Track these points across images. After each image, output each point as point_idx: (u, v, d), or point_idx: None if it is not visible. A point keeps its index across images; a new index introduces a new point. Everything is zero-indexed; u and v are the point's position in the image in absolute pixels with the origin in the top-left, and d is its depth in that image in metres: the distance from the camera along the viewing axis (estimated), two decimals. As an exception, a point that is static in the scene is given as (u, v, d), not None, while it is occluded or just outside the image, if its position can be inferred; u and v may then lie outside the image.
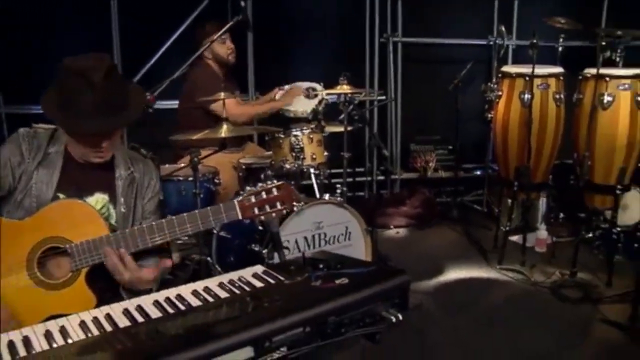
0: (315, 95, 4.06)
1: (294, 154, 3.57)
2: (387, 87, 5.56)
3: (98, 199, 2.15)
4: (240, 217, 2.01)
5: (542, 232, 4.59)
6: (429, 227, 5.15)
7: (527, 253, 4.33)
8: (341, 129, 3.93)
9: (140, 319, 1.58)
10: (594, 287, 3.90)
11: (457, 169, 5.50)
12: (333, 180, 4.35)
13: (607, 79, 3.89)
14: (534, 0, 5.74)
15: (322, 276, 1.70)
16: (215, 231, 3.46)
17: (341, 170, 4.14)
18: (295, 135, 3.58)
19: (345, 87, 3.90)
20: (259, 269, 1.86)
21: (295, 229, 3.25)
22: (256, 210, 2.01)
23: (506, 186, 4.44)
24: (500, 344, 3.29)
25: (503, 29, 5.22)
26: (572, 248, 4.04)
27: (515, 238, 4.49)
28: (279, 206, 2.03)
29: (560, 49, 4.89)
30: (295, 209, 3.21)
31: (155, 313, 1.62)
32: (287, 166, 3.56)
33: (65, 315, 1.62)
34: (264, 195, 2.01)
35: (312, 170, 3.63)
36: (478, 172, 5.78)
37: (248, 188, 2.06)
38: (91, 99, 1.92)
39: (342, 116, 3.95)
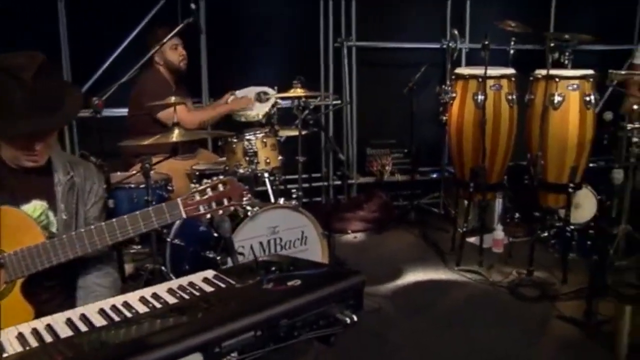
0: (268, 99, 4.01)
1: (247, 159, 3.52)
2: (342, 92, 5.54)
3: (36, 206, 2.02)
4: (184, 216, 1.94)
5: (499, 233, 4.63)
6: (387, 231, 5.14)
7: (484, 254, 4.35)
8: (296, 133, 3.88)
9: (83, 328, 1.51)
10: (550, 285, 3.95)
11: (414, 172, 5.51)
12: (289, 186, 4.29)
13: (557, 79, 3.95)
14: (485, 4, 5.81)
15: (274, 279, 1.65)
16: (168, 239, 3.38)
17: (297, 176, 4.10)
18: (249, 140, 3.53)
19: (299, 90, 3.86)
20: (209, 273, 1.80)
21: (249, 234, 3.19)
22: (202, 209, 1.94)
23: (462, 187, 4.46)
24: (460, 345, 3.29)
25: (456, 32, 5.28)
26: (528, 247, 4.07)
27: (472, 239, 4.52)
28: (226, 203, 1.96)
29: (511, 51, 4.94)
30: (249, 214, 3.16)
31: (100, 322, 1.55)
32: (241, 171, 3.49)
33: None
34: (209, 192, 1.94)
35: (266, 175, 3.58)
36: (434, 175, 5.81)
37: (192, 186, 1.97)
38: (21, 98, 1.81)
39: (297, 120, 3.91)
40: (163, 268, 3.36)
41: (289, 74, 4.03)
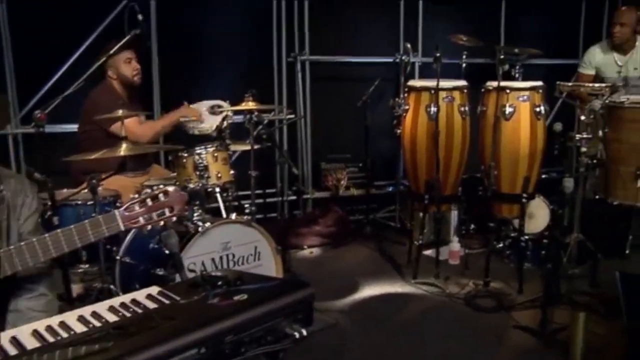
0: (221, 112, 3.95)
1: (198, 173, 3.44)
2: (296, 106, 5.51)
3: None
4: (122, 228, 1.85)
5: (455, 245, 4.64)
6: (343, 246, 5.10)
7: (440, 266, 4.34)
8: (249, 147, 3.82)
9: (13, 351, 1.41)
10: (506, 295, 3.96)
11: (369, 186, 5.51)
12: (243, 202, 4.22)
13: (508, 91, 3.99)
14: (438, 19, 5.90)
15: (220, 294, 1.59)
16: (117, 257, 3.27)
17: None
18: (199, 154, 3.45)
19: (250, 104, 3.81)
20: (153, 290, 1.73)
21: (201, 250, 3.10)
22: (142, 220, 1.85)
23: (417, 200, 4.46)
24: (417, 358, 3.26)
25: (409, 46, 5.30)
26: (484, 258, 4.08)
27: (428, 252, 4.52)
28: (167, 213, 1.88)
29: (463, 65, 5.00)
30: (200, 229, 3.08)
31: (32, 344, 1.45)
32: (191, 186, 3.41)
33: None
34: (149, 202, 1.85)
35: (217, 190, 3.51)
36: (390, 189, 5.81)
37: (131, 196, 1.88)
38: None
39: (252, 135, 3.86)
40: (112, 287, 3.24)
41: (243, 88, 3.97)
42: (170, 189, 1.91)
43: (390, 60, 5.52)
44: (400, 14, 5.78)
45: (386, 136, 5.30)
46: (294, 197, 5.56)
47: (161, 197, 1.88)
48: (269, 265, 3.39)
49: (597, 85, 4.33)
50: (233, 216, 3.35)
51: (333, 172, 5.52)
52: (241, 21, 5.36)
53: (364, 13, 5.75)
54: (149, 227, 1.85)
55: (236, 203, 4.05)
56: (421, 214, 4.48)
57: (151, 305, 1.62)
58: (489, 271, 4.04)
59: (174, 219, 1.91)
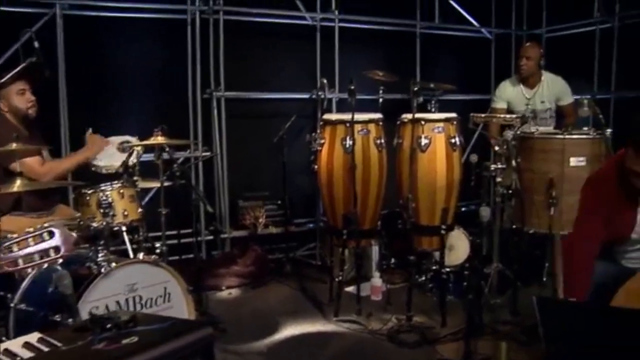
0: (130, 148, 3.76)
1: (102, 211, 3.23)
2: (212, 143, 5.36)
3: None
4: (-4, 271, 1.64)
5: (376, 280, 4.57)
6: (263, 285, 4.94)
7: (362, 302, 4.25)
8: (158, 184, 3.64)
9: None
10: (429, 329, 3.90)
11: (288, 224, 5.38)
12: (157, 242, 4.00)
13: (423, 122, 3.99)
14: (354, 55, 5.93)
15: (108, 337, 1.41)
16: (11, 304, 2.98)
17: (169, 232, 3.84)
18: (103, 190, 3.25)
19: (159, 139, 3.64)
20: (33, 337, 1.53)
21: (105, 293, 2.88)
22: (21, 262, 1.65)
23: (335, 235, 4.36)
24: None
25: (325, 81, 5.27)
26: (406, 293, 4.02)
27: (350, 288, 4.42)
28: (53, 254, 1.69)
29: (380, 100, 5.02)
30: (103, 270, 2.86)
31: None
32: (95, 225, 3.19)
33: None
34: (30, 242, 1.67)
35: (124, 229, 3.30)
36: (310, 226, 5.71)
37: (9, 236, 1.68)
38: None
39: (168, 171, 3.68)
40: (4, 339, 2.94)
41: (156, 124, 3.81)
42: (56, 229, 1.72)
43: (307, 96, 5.46)
44: (317, 50, 5.77)
45: (305, 173, 5.21)
46: (211, 237, 5.35)
47: (45, 236, 1.69)
48: (180, 307, 3.19)
49: (508, 116, 4.42)
50: (140, 256, 3.15)
51: (251, 210, 5.37)
52: (156, 55, 5.20)
53: (281, 49, 5.73)
54: (31, 269, 1.65)
55: (149, 244, 3.84)
56: (342, 250, 4.39)
57: (26, 354, 1.42)
58: (411, 305, 3.99)
59: (60, 260, 1.71)
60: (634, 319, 1.97)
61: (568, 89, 5.19)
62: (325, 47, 5.79)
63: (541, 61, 5.15)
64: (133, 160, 3.64)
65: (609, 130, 4.26)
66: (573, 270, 2.79)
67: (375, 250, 4.83)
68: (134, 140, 3.84)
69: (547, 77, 5.19)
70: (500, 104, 5.22)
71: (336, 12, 5.71)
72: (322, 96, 5.36)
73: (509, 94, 5.23)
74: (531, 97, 5.14)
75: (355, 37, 6.00)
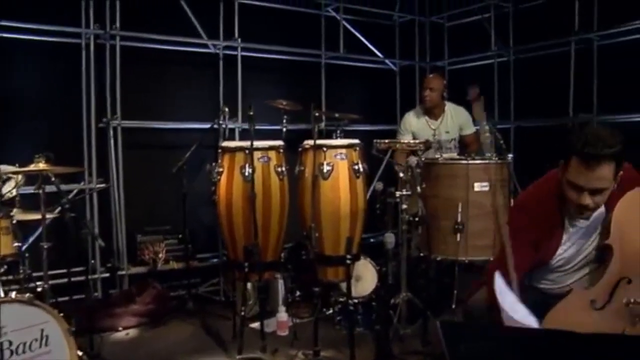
0: (9, 178, 3.45)
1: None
2: (108, 174, 5.06)
3: None
4: None
5: (282, 315, 4.39)
6: (163, 324, 4.65)
7: (268, 338, 4.06)
8: (39, 216, 3.34)
9: None
10: (337, 363, 3.74)
11: (190, 259, 5.12)
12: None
13: (325, 149, 3.89)
14: (259, 84, 5.84)
15: None
16: None
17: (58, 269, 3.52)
18: (-33, 222, 2.93)
19: (41, 165, 3.35)
20: None
21: (-36, 340, 2.56)
22: None
23: (237, 269, 4.15)
24: None
25: (226, 110, 5.11)
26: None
27: (255, 324, 4.22)
28: None
29: (284, 129, 4.92)
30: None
31: None
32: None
33: None
34: None
35: (-6, 265, 2.98)
36: (214, 260, 5.48)
37: None
38: None
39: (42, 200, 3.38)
40: None
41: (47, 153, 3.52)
42: None
43: (208, 126, 5.24)
44: (220, 79, 5.62)
45: (207, 205, 4.95)
46: (107, 274, 5.00)
47: None
48: (60, 351, 2.89)
49: (412, 141, 4.39)
50: (13, 294, 2.84)
51: (150, 245, 5.08)
52: (48, 80, 4.87)
53: (183, 77, 5.55)
54: None
55: (32, 283, 3.51)
56: (246, 285, 4.20)
57: None
58: (318, 339, 3.85)
59: None
60: (543, 340, 1.88)
61: (470, 118, 5.27)
62: (229, 75, 5.65)
63: (444, 92, 5.21)
64: (10, 189, 3.33)
65: (510, 156, 4.32)
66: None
67: (280, 283, 4.66)
68: (10, 168, 3.52)
69: (450, 107, 5.26)
70: (406, 137, 5.23)
71: (239, 40, 5.59)
72: (224, 126, 5.18)
73: (413, 125, 5.26)
74: (436, 128, 5.18)
75: (260, 66, 5.92)
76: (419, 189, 3.96)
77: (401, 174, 4.02)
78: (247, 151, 3.90)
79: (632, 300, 2.16)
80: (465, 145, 5.28)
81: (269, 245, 4.06)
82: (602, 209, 2.49)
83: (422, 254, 4.25)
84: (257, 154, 3.95)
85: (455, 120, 5.22)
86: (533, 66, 6.02)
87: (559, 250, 2.57)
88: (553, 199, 2.52)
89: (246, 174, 3.91)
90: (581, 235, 2.56)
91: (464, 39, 6.80)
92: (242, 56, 5.67)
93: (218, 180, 4.09)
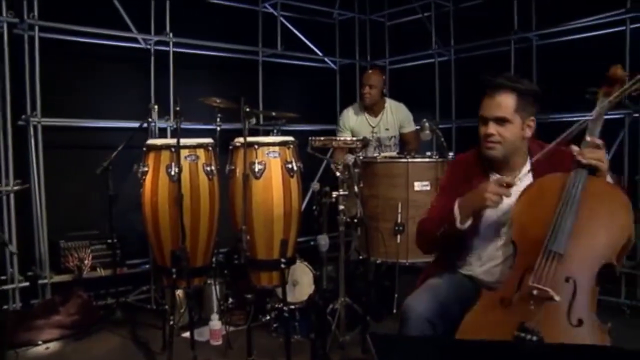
0: None
1: None
2: (29, 177, 4.70)
3: None
4: None
5: (215, 323, 4.16)
6: (89, 336, 4.35)
7: (201, 348, 3.87)
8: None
9: None
10: (273, 372, 3.54)
11: (119, 265, 4.83)
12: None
13: (257, 146, 3.67)
14: (193, 82, 5.62)
15: None
16: None
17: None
18: None
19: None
20: None
21: None
22: None
23: (164, 275, 3.89)
24: None
25: (156, 108, 4.85)
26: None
27: (188, 333, 3.95)
28: None
29: (218, 128, 4.70)
30: None
31: None
32: None
33: None
34: None
35: None
36: (145, 266, 5.19)
37: None
38: None
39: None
40: None
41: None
42: None
43: (137, 125, 4.93)
44: (151, 76, 5.34)
45: (137, 208, 4.65)
46: (27, 284, 4.65)
47: None
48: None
49: (348, 139, 4.23)
50: None
51: (75, 251, 4.75)
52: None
53: (111, 73, 5.25)
54: None
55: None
56: (178, 292, 3.96)
57: None
58: (252, 348, 3.66)
59: None
60: (475, 351, 1.80)
61: (411, 116, 5.16)
62: (161, 72, 5.38)
63: (384, 89, 5.09)
64: None
65: (451, 154, 4.22)
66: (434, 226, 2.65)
67: (214, 290, 4.43)
68: None
69: (390, 104, 5.14)
70: (345, 134, 5.08)
71: (170, 35, 5.32)
72: (153, 124, 4.91)
73: (352, 123, 5.12)
74: (376, 125, 5.05)
75: (194, 63, 5.68)
76: (356, 188, 3.78)
77: (338, 174, 3.84)
78: (173, 149, 3.64)
79: (535, 284, 2.13)
80: (405, 144, 5.16)
81: (198, 250, 3.82)
82: (527, 175, 2.51)
83: (361, 257, 4.09)
84: (184, 152, 3.70)
85: (395, 117, 5.09)
86: (474, 65, 5.99)
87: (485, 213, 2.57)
88: (480, 158, 2.66)
89: (172, 173, 3.65)
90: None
91: (405, 38, 6.75)
92: (175, 52, 5.40)
93: (143, 181, 3.82)
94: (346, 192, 3.83)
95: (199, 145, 3.80)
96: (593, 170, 2.29)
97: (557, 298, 2.08)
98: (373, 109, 5.08)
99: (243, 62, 6.05)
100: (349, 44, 6.88)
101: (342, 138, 4.39)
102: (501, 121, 2.50)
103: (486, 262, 2.63)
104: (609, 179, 2.34)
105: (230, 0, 5.90)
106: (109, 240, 4.81)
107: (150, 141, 3.93)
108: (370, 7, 6.92)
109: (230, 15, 5.93)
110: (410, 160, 4.05)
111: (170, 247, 3.72)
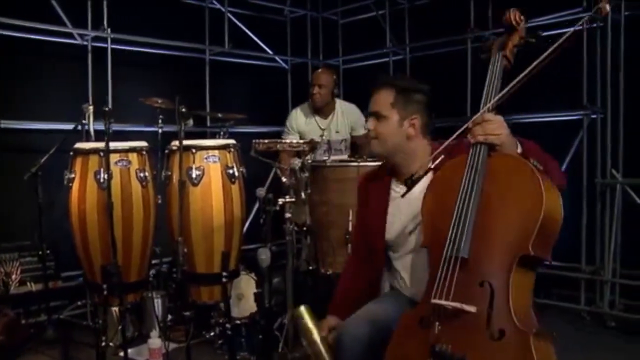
0: None
1: None
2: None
3: None
4: None
5: (155, 341, 3.81)
6: (16, 358, 3.98)
7: (135, 369, 3.52)
8: None
9: None
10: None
11: (52, 279, 4.45)
12: None
13: (194, 150, 3.38)
14: (134, 82, 5.29)
15: None
16: None
17: None
18: None
19: None
20: None
21: None
22: None
23: (95, 291, 3.57)
24: None
25: (90, 109, 4.49)
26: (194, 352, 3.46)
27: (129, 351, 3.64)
28: None
29: (160, 131, 4.40)
30: None
31: None
32: None
33: None
34: None
35: None
36: (81, 279, 4.80)
37: None
38: None
39: None
40: None
41: None
42: None
43: (71, 127, 4.57)
44: (89, 74, 4.98)
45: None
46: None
47: None
48: None
49: (294, 141, 3.96)
50: None
51: (1, 264, 4.37)
52: None
53: (43, 72, 4.86)
54: None
55: None
56: (110, 308, 3.63)
57: None
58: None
59: None
60: None
61: (363, 118, 4.91)
62: (98, 70, 5.02)
63: (335, 89, 4.83)
64: None
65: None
66: (338, 288, 2.73)
67: (157, 304, 4.11)
68: None
69: (341, 105, 4.89)
70: (292, 137, 4.80)
71: (108, 31, 4.96)
72: (87, 127, 4.54)
73: (301, 124, 4.84)
74: (326, 128, 4.79)
75: (135, 61, 5.33)
76: (303, 195, 3.52)
77: (284, 179, 3.57)
78: (101, 154, 3.32)
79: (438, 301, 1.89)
80: (357, 147, 4.92)
81: (132, 263, 3.51)
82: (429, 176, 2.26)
83: (311, 267, 3.83)
84: (114, 157, 3.38)
85: (346, 119, 4.84)
86: (430, 65, 5.82)
87: (389, 219, 2.46)
88: (386, 168, 2.56)
89: (101, 180, 3.34)
90: (405, 203, 2.37)
91: (359, 36, 6.54)
92: (114, 49, 5.05)
93: (70, 188, 3.49)
94: (293, 199, 3.56)
95: (131, 149, 3.48)
96: (493, 148, 2.02)
97: (471, 309, 1.81)
98: (323, 111, 4.81)
99: (189, 60, 5.74)
100: (301, 42, 6.62)
101: (287, 140, 4.11)
102: (377, 116, 2.45)
103: (414, 277, 2.41)
104: (520, 150, 2.06)
105: (175, -7, 5.59)
106: (41, 252, 4.43)
107: (78, 145, 3.59)
108: (323, 4, 6.68)
109: (175, 11, 5.60)
110: (361, 163, 3.80)
111: (101, 261, 3.41)
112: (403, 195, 2.23)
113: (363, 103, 5.01)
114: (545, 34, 4.80)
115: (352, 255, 2.80)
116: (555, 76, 4.30)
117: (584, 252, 4.66)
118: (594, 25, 4.61)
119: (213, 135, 5.16)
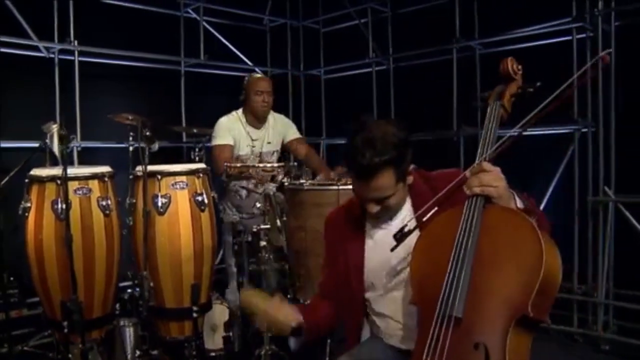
0: None
1: None
2: None
3: None
4: None
5: (125, 377, 3.58)
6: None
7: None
8: None
9: None
10: None
11: (18, 307, 4.24)
12: None
13: (159, 176, 3.13)
14: (105, 96, 5.05)
15: None
16: None
17: None
18: None
19: None
20: None
21: None
22: None
23: (55, 329, 3.30)
24: None
25: (54, 127, 4.23)
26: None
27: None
28: None
29: (131, 148, 4.16)
30: None
31: None
32: None
33: None
34: None
35: None
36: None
37: None
38: None
39: None
40: None
41: None
42: None
43: (37, 145, 4.31)
44: (56, 90, 4.73)
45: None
46: None
47: None
48: None
49: (269, 165, 3.72)
50: None
51: (-42, 294, 4.10)
52: None
53: (5, 86, 4.59)
54: None
55: None
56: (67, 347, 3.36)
57: None
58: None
59: None
60: None
61: (291, 123, 4.64)
62: (66, 85, 4.76)
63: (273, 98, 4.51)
64: None
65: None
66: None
67: (128, 336, 3.84)
68: None
69: (273, 116, 4.55)
70: (226, 140, 4.39)
71: (75, 43, 4.71)
72: (49, 147, 4.27)
73: (235, 132, 4.44)
74: (257, 139, 4.43)
75: (105, 74, 5.09)
76: (278, 222, 3.28)
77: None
78: (59, 182, 3.05)
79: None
80: (293, 154, 4.62)
81: (95, 298, 3.23)
82: (407, 207, 2.17)
83: (289, 296, 3.59)
84: (72, 185, 3.11)
85: (277, 129, 4.47)
86: (414, 75, 5.63)
87: (367, 255, 2.22)
88: (354, 210, 2.27)
89: (59, 210, 3.07)
90: (383, 234, 2.18)
91: (341, 46, 6.32)
92: (81, 62, 4.80)
93: (26, 218, 3.22)
94: (268, 226, 3.33)
95: (92, 176, 3.20)
96: (489, 200, 1.86)
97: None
98: (258, 121, 4.47)
99: (163, 72, 5.49)
100: (281, 52, 6.39)
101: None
102: (383, 199, 2.07)
103: (397, 321, 2.18)
104: (519, 204, 1.89)
105: (147, 4, 5.32)
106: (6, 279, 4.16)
107: (33, 172, 3.31)
108: (304, 13, 6.46)
109: (148, 21, 5.36)
110: (341, 187, 3.56)
111: (61, 296, 3.13)
112: (392, 250, 1.99)
113: (346, 113, 4.82)
114: (533, 44, 4.64)
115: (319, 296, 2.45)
116: (545, 88, 4.11)
117: (576, 271, 4.46)
118: (584, 35, 4.43)
119: (189, 151, 4.92)
